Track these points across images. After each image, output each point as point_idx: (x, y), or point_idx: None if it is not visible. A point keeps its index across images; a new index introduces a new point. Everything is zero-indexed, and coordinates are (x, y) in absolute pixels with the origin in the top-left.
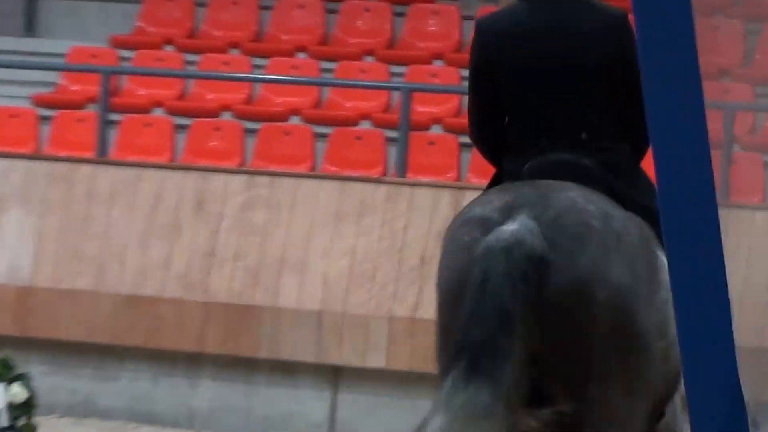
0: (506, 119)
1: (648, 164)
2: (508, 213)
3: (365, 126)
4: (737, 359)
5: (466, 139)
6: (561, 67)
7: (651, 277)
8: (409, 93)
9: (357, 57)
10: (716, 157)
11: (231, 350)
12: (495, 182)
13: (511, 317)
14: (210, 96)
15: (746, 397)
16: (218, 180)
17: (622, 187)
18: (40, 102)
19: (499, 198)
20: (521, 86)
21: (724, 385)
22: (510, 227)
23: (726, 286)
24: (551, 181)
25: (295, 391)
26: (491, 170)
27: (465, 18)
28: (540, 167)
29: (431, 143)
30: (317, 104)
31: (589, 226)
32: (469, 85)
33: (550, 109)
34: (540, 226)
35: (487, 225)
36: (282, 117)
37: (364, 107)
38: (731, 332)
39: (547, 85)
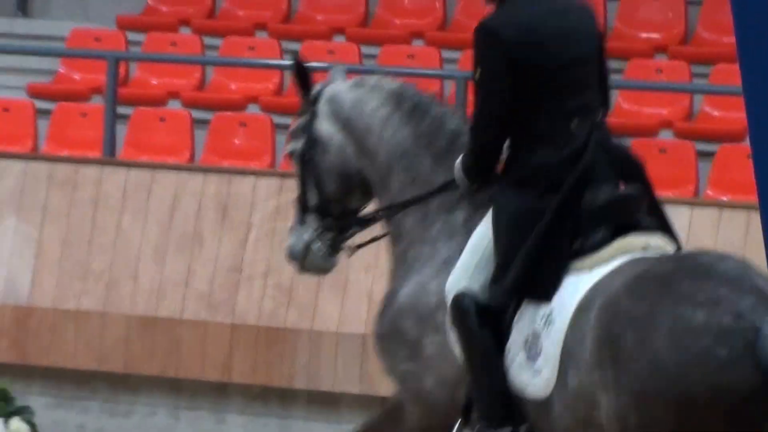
0: (523, 109)
1: None
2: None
3: None
4: None
5: None
6: (574, 54)
7: None
8: (464, 82)
9: (405, 41)
10: None
11: (262, 380)
12: (531, 174)
13: None
14: (234, 86)
15: None
16: (245, 183)
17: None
18: (37, 93)
19: (711, 290)
20: (546, 76)
21: None
22: None
23: None
24: (727, 257)
25: (337, 427)
26: None
27: None
28: (614, 206)
29: None
30: None
31: None
32: (485, 88)
33: (572, 94)
34: None
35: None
36: None
37: None
38: None
39: (567, 72)
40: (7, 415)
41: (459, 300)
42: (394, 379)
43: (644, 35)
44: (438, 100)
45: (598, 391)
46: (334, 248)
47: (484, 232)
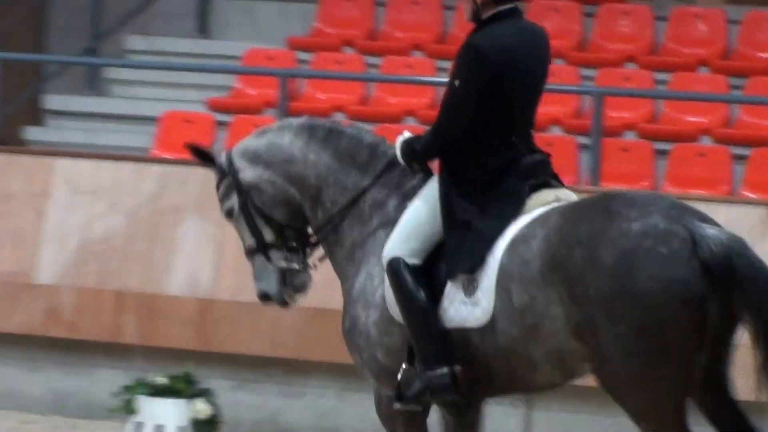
0: (484, 119)
1: None
2: (679, 220)
3: (555, 132)
4: None
5: (662, 146)
6: (533, 79)
7: None
8: (601, 97)
9: None
10: None
11: None
12: (484, 173)
13: None
14: (393, 100)
15: None
16: None
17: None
18: (216, 106)
19: (640, 210)
20: (510, 96)
21: None
22: (712, 230)
23: None
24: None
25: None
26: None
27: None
28: (534, 166)
29: (625, 150)
30: None
31: None
32: (461, 95)
33: (521, 112)
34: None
35: (679, 235)
36: None
37: (551, 112)
38: None
39: (524, 95)
40: (191, 397)
41: (392, 263)
42: (363, 369)
43: (762, 55)
44: (346, 124)
45: (549, 305)
46: (305, 265)
47: (413, 210)
